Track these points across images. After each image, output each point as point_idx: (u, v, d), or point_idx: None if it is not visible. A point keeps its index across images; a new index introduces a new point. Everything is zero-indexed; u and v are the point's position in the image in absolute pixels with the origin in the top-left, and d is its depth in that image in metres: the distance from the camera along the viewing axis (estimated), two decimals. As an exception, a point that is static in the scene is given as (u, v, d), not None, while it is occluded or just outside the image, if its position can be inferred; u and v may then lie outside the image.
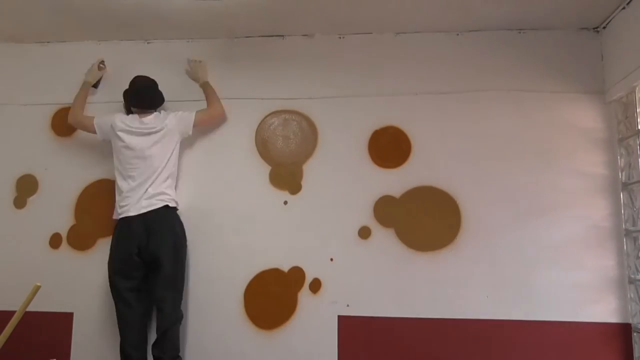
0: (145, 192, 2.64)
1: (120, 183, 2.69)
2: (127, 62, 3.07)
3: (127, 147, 2.69)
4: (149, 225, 2.60)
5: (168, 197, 2.71)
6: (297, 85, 2.98)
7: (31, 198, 3.00)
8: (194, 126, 2.80)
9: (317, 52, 3.01)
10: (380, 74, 2.94)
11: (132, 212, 2.61)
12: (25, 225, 2.97)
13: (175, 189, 2.81)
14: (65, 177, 2.99)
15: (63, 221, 2.95)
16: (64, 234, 2.94)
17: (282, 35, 3.04)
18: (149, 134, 2.71)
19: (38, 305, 2.56)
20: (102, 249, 2.89)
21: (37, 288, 1.99)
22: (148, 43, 3.11)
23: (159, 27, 2.94)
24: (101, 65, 3.00)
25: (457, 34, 2.95)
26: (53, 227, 2.95)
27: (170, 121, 2.76)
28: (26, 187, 3.01)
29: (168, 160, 2.72)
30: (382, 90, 2.92)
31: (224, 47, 3.06)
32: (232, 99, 2.93)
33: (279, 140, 2.95)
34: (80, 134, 3.01)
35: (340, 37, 3.01)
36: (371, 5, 2.66)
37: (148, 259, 2.61)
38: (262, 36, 3.04)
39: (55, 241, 2.94)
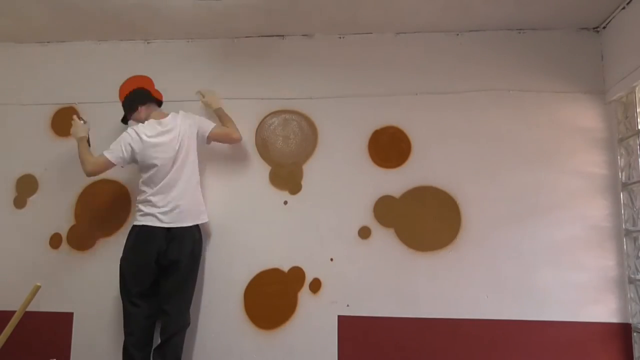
0: (179, 204, 2.57)
1: (146, 190, 2.59)
2: (127, 62, 3.08)
3: (157, 159, 2.57)
4: (171, 232, 2.56)
5: (205, 216, 2.71)
6: (297, 85, 2.98)
7: (31, 198, 3.00)
8: (208, 137, 2.74)
9: (317, 52, 3.01)
10: (380, 74, 2.94)
11: (161, 224, 2.54)
12: (25, 225, 2.97)
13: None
14: (65, 177, 2.99)
15: (63, 221, 2.95)
16: (64, 234, 2.94)
17: (282, 35, 3.04)
18: (173, 137, 2.61)
19: (38, 305, 2.57)
20: (102, 249, 2.90)
21: (37, 288, 1.99)
22: (148, 43, 3.11)
23: (159, 27, 2.94)
24: (81, 119, 2.74)
25: (457, 34, 2.95)
26: (53, 227, 2.95)
27: (185, 120, 2.69)
28: (26, 187, 3.01)
29: (192, 166, 2.67)
30: (382, 90, 2.92)
31: (224, 47, 3.06)
32: (232, 99, 2.93)
33: (279, 140, 2.95)
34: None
35: (340, 37, 3.01)
36: (371, 5, 2.67)
37: (165, 263, 2.57)
38: (262, 36, 3.04)
39: (55, 241, 2.94)
